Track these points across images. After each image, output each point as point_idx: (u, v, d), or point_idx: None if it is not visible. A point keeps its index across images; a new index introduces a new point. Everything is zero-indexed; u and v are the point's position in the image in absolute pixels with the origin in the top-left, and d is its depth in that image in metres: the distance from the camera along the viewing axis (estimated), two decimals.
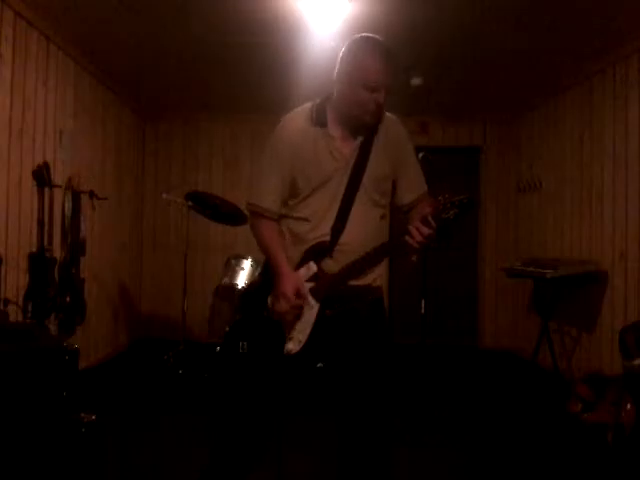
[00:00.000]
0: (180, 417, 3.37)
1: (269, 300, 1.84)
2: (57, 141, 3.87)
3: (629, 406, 2.83)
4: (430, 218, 1.59)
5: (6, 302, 3.00)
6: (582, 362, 4.17)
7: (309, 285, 1.78)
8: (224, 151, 5.88)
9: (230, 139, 5.86)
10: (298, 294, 1.76)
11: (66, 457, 2.46)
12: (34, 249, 3.33)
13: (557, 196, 4.78)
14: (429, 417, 3.35)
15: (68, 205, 3.83)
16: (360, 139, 1.78)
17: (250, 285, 2.03)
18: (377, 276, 1.90)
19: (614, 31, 3.51)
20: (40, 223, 3.32)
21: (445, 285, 5.77)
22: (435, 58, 4.17)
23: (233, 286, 4.30)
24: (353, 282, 1.81)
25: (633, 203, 3.63)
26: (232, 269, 4.41)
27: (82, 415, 2.98)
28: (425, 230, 1.60)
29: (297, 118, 1.81)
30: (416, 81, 4.56)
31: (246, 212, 1.94)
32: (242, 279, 4.31)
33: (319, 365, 2.78)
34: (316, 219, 1.78)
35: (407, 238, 1.64)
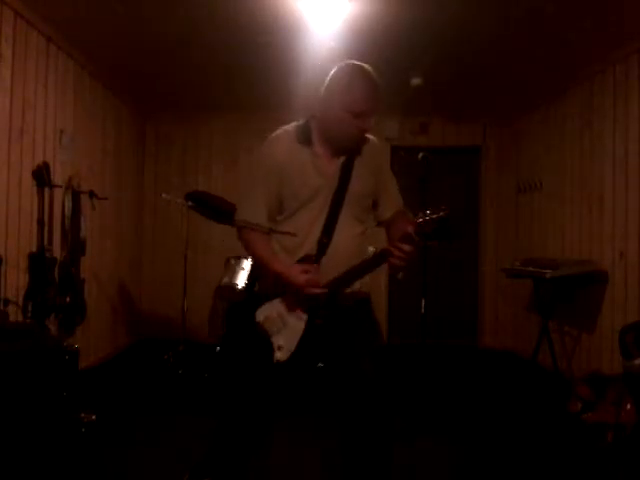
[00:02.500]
0: (180, 417, 3.37)
1: (257, 315, 1.93)
2: (57, 141, 3.87)
3: (629, 406, 2.84)
4: (413, 234, 1.68)
5: (6, 302, 3.00)
6: (582, 362, 4.17)
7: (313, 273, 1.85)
8: (224, 151, 5.88)
9: (230, 139, 5.85)
10: (309, 277, 1.82)
11: (66, 457, 2.47)
12: (34, 249, 3.33)
13: (557, 196, 4.78)
14: (429, 417, 3.35)
15: (68, 205, 3.83)
16: (343, 158, 1.88)
17: (235, 303, 2.14)
18: (362, 284, 1.97)
19: (614, 31, 3.51)
20: (40, 223, 3.32)
21: (445, 285, 5.78)
22: (435, 58, 4.17)
23: (233, 286, 4.30)
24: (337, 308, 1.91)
25: (633, 203, 3.63)
26: (232, 269, 4.41)
27: (82, 415, 2.99)
28: (406, 247, 1.69)
29: (283, 137, 1.91)
30: (416, 81, 4.57)
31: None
32: (242, 279, 4.31)
33: (319, 365, 2.82)
34: (303, 233, 1.88)
35: (391, 258, 1.74)
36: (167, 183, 5.85)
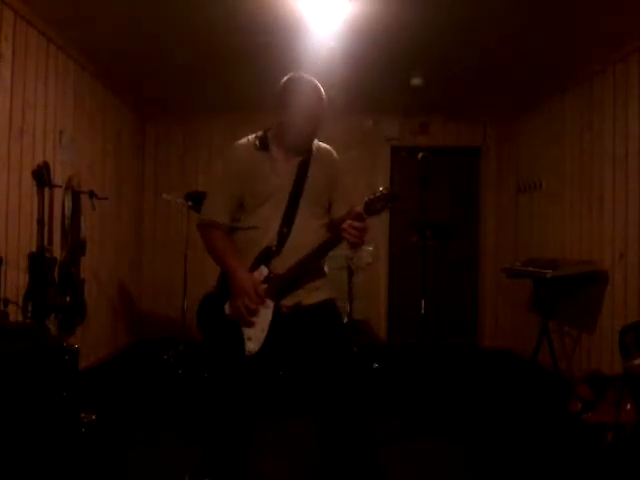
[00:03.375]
0: (180, 417, 3.37)
1: (226, 307, 2.06)
2: (57, 141, 3.87)
3: (629, 406, 2.84)
4: (362, 212, 1.83)
5: (6, 302, 3.00)
6: (582, 362, 4.17)
7: (263, 286, 1.99)
8: (224, 151, 5.87)
9: (230, 139, 5.80)
10: (257, 292, 1.97)
11: (66, 457, 2.47)
12: (34, 249, 3.33)
13: (557, 196, 4.78)
14: (429, 417, 3.36)
15: (68, 205, 3.83)
16: (299, 159, 2.07)
17: (206, 296, 2.21)
18: (330, 291, 2.13)
19: (614, 31, 3.51)
20: (40, 223, 3.32)
21: (445, 285, 5.78)
22: (435, 58, 4.17)
23: None
24: (304, 301, 2.04)
25: (633, 203, 3.63)
26: None
27: (82, 415, 2.99)
28: (356, 224, 1.83)
29: (244, 145, 2.14)
30: (416, 81, 4.57)
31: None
32: None
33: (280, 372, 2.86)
34: (264, 226, 2.04)
35: (344, 234, 1.86)
36: (167, 183, 5.85)
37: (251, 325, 1.99)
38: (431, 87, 4.72)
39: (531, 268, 4.23)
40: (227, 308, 2.05)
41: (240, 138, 2.19)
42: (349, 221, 1.85)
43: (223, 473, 2.12)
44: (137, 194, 5.79)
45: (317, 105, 2.03)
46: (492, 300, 5.90)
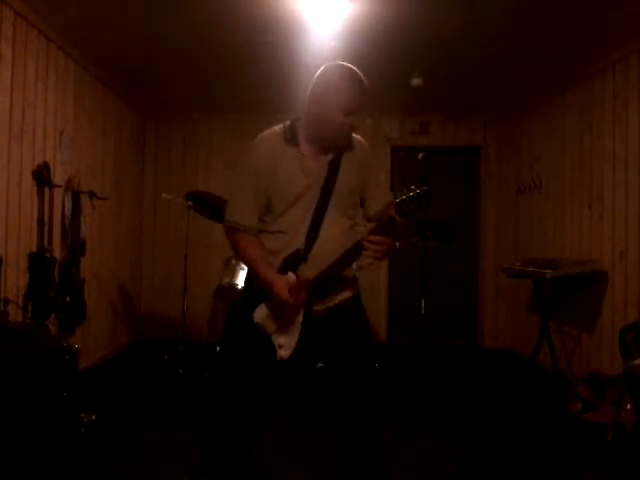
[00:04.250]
0: (180, 417, 3.37)
1: (254, 315, 1.96)
2: (57, 141, 3.87)
3: (629, 406, 2.84)
4: (395, 215, 1.71)
5: (6, 302, 3.00)
6: (582, 362, 4.17)
7: (302, 293, 1.89)
8: (224, 151, 5.88)
9: (230, 139, 5.86)
10: (292, 292, 1.86)
11: (66, 457, 2.47)
12: (34, 249, 3.33)
13: (557, 196, 4.78)
14: (429, 417, 3.35)
15: (68, 205, 3.83)
16: (330, 156, 1.92)
17: (234, 305, 2.14)
18: (350, 289, 2.01)
19: (614, 31, 3.51)
20: (40, 223, 3.33)
21: (445, 285, 5.78)
22: (435, 58, 4.17)
23: (233, 286, 4.30)
24: (331, 303, 1.95)
25: (633, 203, 3.63)
26: (232, 269, 4.41)
27: (82, 415, 2.99)
28: (379, 239, 1.74)
29: (270, 138, 1.93)
30: (416, 81, 4.57)
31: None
32: (242, 279, 4.31)
33: (319, 365, 2.81)
34: (292, 231, 1.91)
35: (364, 253, 1.76)
36: (167, 183, 5.85)
37: (282, 332, 1.93)
38: (431, 87, 4.72)
39: (531, 268, 4.23)
40: (256, 315, 1.97)
41: (240, 138, 2.11)
42: (370, 237, 1.74)
43: (223, 474, 2.12)
44: (137, 194, 5.79)
45: (359, 98, 1.84)
46: (492, 300, 5.90)
